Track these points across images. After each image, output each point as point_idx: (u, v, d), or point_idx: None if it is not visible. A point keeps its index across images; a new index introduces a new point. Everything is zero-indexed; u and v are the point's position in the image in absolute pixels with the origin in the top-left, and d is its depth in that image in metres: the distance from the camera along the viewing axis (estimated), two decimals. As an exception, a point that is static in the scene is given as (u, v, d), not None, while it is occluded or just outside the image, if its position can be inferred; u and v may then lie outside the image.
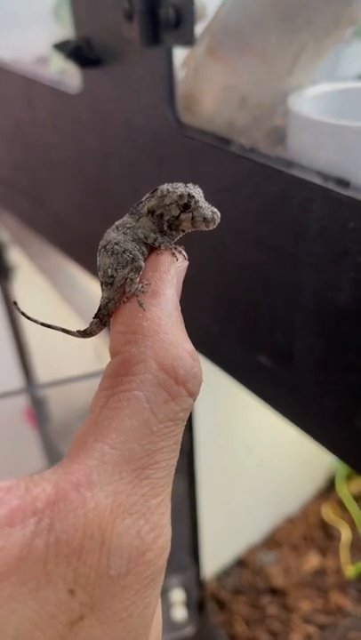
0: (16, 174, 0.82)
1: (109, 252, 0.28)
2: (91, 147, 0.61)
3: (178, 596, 0.94)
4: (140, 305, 0.25)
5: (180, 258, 0.27)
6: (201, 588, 1.02)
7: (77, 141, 0.63)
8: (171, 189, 0.27)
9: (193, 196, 0.27)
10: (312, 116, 0.43)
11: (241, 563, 1.14)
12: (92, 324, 0.29)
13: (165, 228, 0.28)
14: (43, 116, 0.67)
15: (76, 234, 0.72)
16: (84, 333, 0.29)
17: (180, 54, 0.51)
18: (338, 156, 0.42)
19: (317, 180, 0.38)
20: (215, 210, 0.27)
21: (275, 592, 1.08)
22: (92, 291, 0.96)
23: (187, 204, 0.27)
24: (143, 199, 0.29)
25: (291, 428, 0.49)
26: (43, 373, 1.33)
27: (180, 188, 0.27)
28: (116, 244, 0.27)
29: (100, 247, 0.28)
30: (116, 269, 0.27)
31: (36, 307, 1.24)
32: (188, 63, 0.52)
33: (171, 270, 0.26)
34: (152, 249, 0.28)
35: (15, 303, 0.30)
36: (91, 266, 0.73)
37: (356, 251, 0.37)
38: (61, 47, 0.53)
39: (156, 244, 0.27)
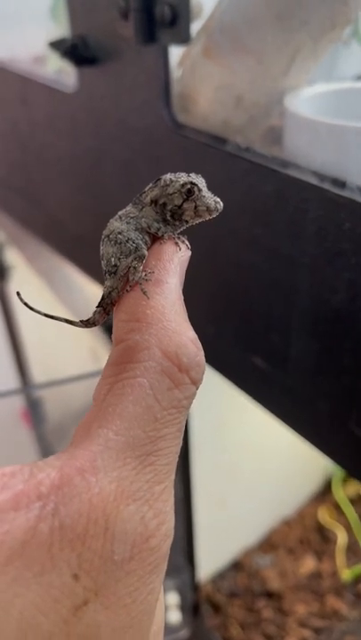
0: (11, 174, 0.82)
1: (113, 241, 0.28)
2: (86, 146, 0.60)
3: (173, 598, 0.94)
4: (144, 293, 0.25)
5: (183, 247, 0.27)
6: (196, 590, 1.02)
7: (73, 141, 0.63)
8: (174, 178, 0.28)
9: (196, 184, 0.27)
10: (308, 115, 0.43)
11: (236, 565, 1.13)
12: (95, 313, 0.29)
13: (168, 218, 0.28)
14: (39, 116, 0.67)
15: (72, 234, 0.72)
16: (88, 323, 0.29)
17: (176, 53, 0.51)
18: (334, 157, 0.41)
19: (313, 181, 0.38)
20: (218, 199, 0.28)
21: (270, 595, 1.08)
22: (87, 291, 0.96)
23: (190, 192, 0.27)
24: (146, 189, 0.29)
25: (287, 430, 0.49)
26: (38, 374, 1.32)
27: (182, 177, 0.28)
28: (120, 233, 0.28)
29: (103, 236, 0.28)
30: (119, 258, 0.27)
31: (33, 306, 1.24)
32: (184, 62, 0.52)
33: (174, 259, 0.26)
34: (155, 238, 0.28)
35: (18, 293, 0.30)
36: (86, 266, 0.72)
37: (351, 251, 0.37)
38: (57, 45, 0.52)
39: (160, 234, 0.28)
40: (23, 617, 0.19)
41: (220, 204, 0.28)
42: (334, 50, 0.53)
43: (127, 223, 0.28)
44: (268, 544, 1.17)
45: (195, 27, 0.45)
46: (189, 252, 0.27)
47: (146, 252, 0.27)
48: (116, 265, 0.27)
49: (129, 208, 0.29)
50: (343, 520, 1.18)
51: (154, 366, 0.23)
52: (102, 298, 0.28)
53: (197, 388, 0.24)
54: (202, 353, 0.24)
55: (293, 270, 0.42)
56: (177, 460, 0.24)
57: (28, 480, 0.21)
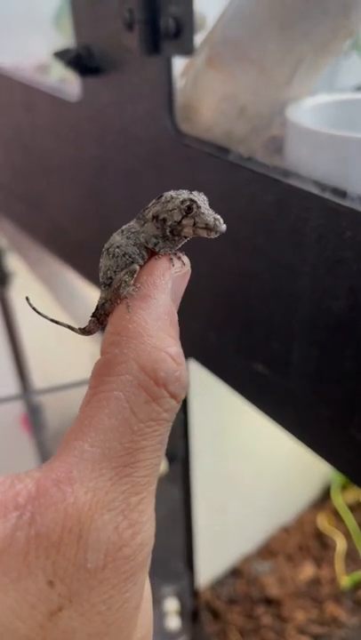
0: (14, 181, 0.83)
1: (110, 255, 0.28)
2: (89, 154, 0.61)
3: (172, 605, 0.94)
4: (127, 307, 0.25)
5: (178, 264, 0.27)
6: (195, 597, 1.01)
7: (76, 149, 0.63)
8: (174, 195, 0.28)
9: (195, 201, 0.27)
10: (310, 126, 0.43)
11: (236, 572, 1.13)
12: (90, 322, 0.30)
13: (168, 234, 0.28)
14: (42, 124, 0.68)
15: (74, 240, 0.72)
16: (84, 331, 0.30)
17: (179, 64, 0.51)
18: (335, 167, 0.42)
19: (314, 190, 0.39)
20: (218, 217, 0.27)
21: (269, 602, 1.08)
22: (89, 297, 0.96)
23: (189, 209, 0.27)
24: (149, 204, 0.29)
25: (287, 437, 0.49)
26: (39, 380, 1.33)
27: (183, 194, 0.28)
28: (118, 247, 0.28)
29: (103, 249, 0.29)
30: (114, 271, 0.28)
31: (33, 313, 1.24)
32: (187, 73, 0.52)
33: (165, 275, 0.27)
34: (153, 254, 0.28)
35: (27, 298, 0.31)
36: (88, 272, 0.73)
37: (352, 259, 0.37)
38: (62, 55, 0.53)
39: (157, 249, 0.28)
40: (1, 621, 0.20)
41: (221, 222, 0.27)
42: (335, 61, 0.54)
43: (127, 238, 0.28)
44: (267, 551, 1.17)
45: (198, 38, 0.46)
46: (187, 269, 0.27)
47: (137, 267, 0.27)
48: (110, 277, 0.28)
49: (132, 223, 0.29)
50: (342, 527, 1.18)
51: (130, 380, 0.23)
52: (96, 308, 0.29)
53: (179, 402, 0.24)
54: (183, 368, 0.24)
55: (295, 278, 0.42)
56: (158, 471, 0.24)
57: (7, 491, 0.22)
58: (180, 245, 0.29)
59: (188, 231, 0.28)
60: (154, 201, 0.29)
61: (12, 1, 0.88)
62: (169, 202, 0.28)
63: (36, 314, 0.32)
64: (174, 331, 0.25)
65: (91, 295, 0.94)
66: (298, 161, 0.45)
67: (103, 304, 0.29)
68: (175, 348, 0.24)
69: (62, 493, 0.22)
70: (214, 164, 0.45)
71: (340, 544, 1.15)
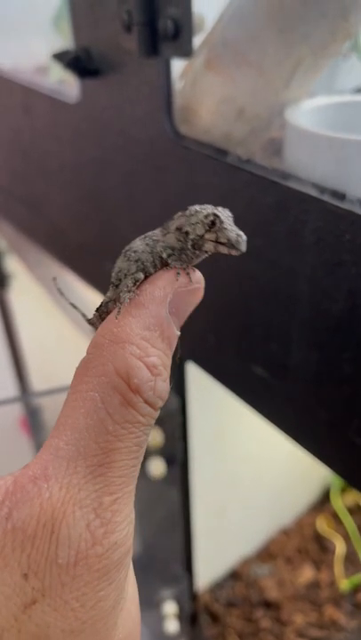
0: (14, 182, 0.83)
1: (126, 258, 0.29)
2: (88, 156, 0.61)
3: (170, 608, 0.94)
4: (118, 312, 0.26)
5: (185, 279, 0.27)
6: (194, 600, 1.01)
7: (75, 151, 0.63)
8: (199, 209, 0.28)
9: (218, 216, 0.27)
10: (309, 128, 0.43)
11: (235, 575, 1.13)
12: (93, 315, 0.31)
13: (189, 247, 0.28)
14: (41, 125, 0.68)
15: (73, 243, 0.72)
16: (89, 321, 0.31)
17: (178, 65, 0.51)
18: (334, 169, 0.42)
19: (313, 193, 0.39)
20: (242, 234, 0.27)
21: (268, 605, 1.08)
22: (88, 299, 0.96)
23: (212, 223, 0.27)
24: (175, 216, 0.29)
25: (285, 440, 0.49)
26: (38, 382, 1.32)
27: (208, 208, 0.28)
28: (135, 251, 0.28)
29: (123, 250, 0.29)
30: (125, 274, 0.28)
31: (33, 315, 1.24)
32: (186, 74, 0.52)
33: (165, 288, 0.26)
34: (167, 264, 0.28)
35: (54, 278, 0.32)
36: (87, 275, 0.73)
37: (351, 262, 0.37)
38: (61, 57, 0.53)
39: (169, 261, 0.28)
40: None
41: (243, 239, 0.27)
42: (334, 63, 0.54)
43: (146, 244, 0.28)
44: (266, 553, 1.16)
45: (197, 40, 0.46)
46: (195, 286, 0.27)
47: (142, 276, 0.28)
48: (120, 279, 0.28)
49: (156, 231, 0.29)
50: (342, 530, 1.18)
51: (106, 382, 0.24)
52: (100, 305, 0.30)
53: (156, 409, 0.25)
54: (160, 379, 0.25)
55: (293, 280, 0.42)
56: (136, 473, 0.24)
57: None
58: (198, 260, 0.29)
59: (209, 246, 0.28)
60: (180, 213, 0.29)
61: (12, 2, 0.88)
62: (193, 215, 0.28)
63: (59, 294, 0.33)
64: (164, 343, 0.25)
65: (90, 298, 0.94)
66: (297, 163, 0.45)
67: (107, 302, 0.29)
68: (155, 358, 0.25)
69: (38, 489, 0.22)
70: (213, 167, 0.45)
71: (340, 547, 1.14)
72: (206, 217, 0.27)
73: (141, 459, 0.25)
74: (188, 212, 0.28)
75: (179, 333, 0.26)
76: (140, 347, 0.24)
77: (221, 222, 0.27)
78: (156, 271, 0.28)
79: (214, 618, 1.06)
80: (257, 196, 0.42)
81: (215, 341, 0.53)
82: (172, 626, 0.95)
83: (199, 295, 0.27)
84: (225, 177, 0.45)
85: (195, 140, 0.48)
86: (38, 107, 0.66)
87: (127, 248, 0.29)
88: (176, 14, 0.42)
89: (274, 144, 0.51)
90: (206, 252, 0.28)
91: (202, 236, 0.27)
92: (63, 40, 0.80)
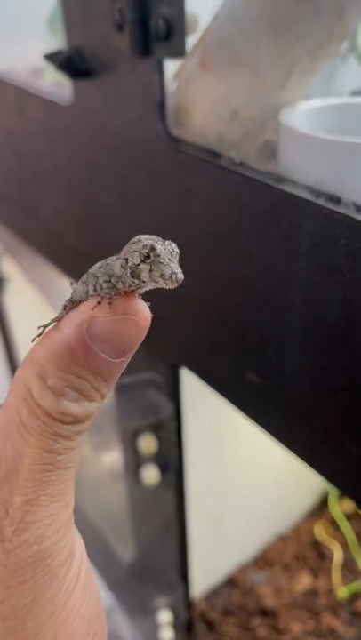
0: (7, 185, 0.82)
1: (82, 280, 0.29)
2: (82, 159, 0.60)
3: (165, 616, 0.92)
4: (41, 332, 0.27)
5: (104, 309, 0.26)
6: (189, 608, 1.00)
7: (69, 154, 0.62)
8: (142, 239, 0.27)
9: (155, 249, 0.26)
10: (304, 130, 0.42)
11: (231, 582, 1.12)
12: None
13: (128, 274, 0.27)
14: (35, 127, 0.67)
15: (67, 245, 0.71)
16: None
17: (171, 66, 0.51)
18: (330, 172, 0.41)
19: (308, 196, 0.38)
20: (177, 271, 0.27)
21: (265, 613, 1.07)
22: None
23: (147, 255, 0.27)
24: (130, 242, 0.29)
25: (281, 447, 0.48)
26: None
27: (150, 239, 0.27)
28: (88, 274, 0.29)
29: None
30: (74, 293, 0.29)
31: (28, 318, 1.23)
32: (179, 75, 0.51)
33: (82, 315, 0.26)
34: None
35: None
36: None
37: (347, 267, 0.36)
38: (52, 58, 0.52)
39: (97, 287, 0.28)
40: None
41: (178, 277, 0.27)
42: (332, 64, 0.53)
43: (99, 267, 0.29)
44: (263, 560, 1.15)
45: (190, 40, 0.45)
46: (117, 317, 0.26)
47: (72, 299, 0.29)
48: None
49: (116, 255, 0.29)
50: (339, 536, 1.17)
51: (19, 393, 0.26)
52: (47, 324, 0.30)
53: (65, 423, 0.26)
54: (63, 399, 0.25)
55: (288, 286, 0.41)
56: (50, 479, 0.26)
57: None
58: (140, 290, 0.28)
59: (145, 276, 0.27)
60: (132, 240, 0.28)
61: (6, 3, 0.88)
62: (134, 243, 0.27)
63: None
64: (75, 366, 0.26)
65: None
66: (292, 166, 0.44)
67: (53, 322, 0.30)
68: (55, 380, 0.25)
69: None
70: (206, 169, 0.44)
71: (338, 554, 1.13)
72: (143, 247, 0.27)
73: (67, 465, 0.26)
74: (132, 240, 0.28)
75: (116, 360, 0.26)
76: (40, 367, 0.26)
77: (157, 255, 0.27)
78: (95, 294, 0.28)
79: (210, 626, 1.05)
80: (251, 199, 0.42)
81: (209, 348, 0.52)
82: (167, 634, 0.94)
83: (130, 326, 0.27)
84: (218, 180, 0.44)
85: (188, 142, 0.47)
86: (32, 109, 0.66)
87: (88, 269, 0.29)
88: (169, 13, 0.41)
89: (268, 147, 0.50)
90: (144, 281, 0.27)
91: (137, 266, 0.27)
92: (58, 42, 0.79)
